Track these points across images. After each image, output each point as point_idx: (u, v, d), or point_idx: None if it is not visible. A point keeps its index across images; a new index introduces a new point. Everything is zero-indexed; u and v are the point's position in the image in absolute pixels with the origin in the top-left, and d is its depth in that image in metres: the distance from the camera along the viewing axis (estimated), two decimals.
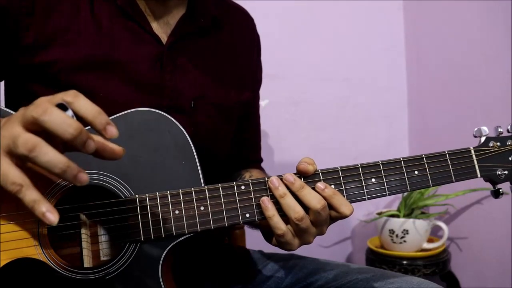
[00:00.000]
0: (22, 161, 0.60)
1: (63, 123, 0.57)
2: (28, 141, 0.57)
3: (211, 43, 1.06)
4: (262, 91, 1.27)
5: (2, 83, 1.02)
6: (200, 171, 0.83)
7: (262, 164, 1.29)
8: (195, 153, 0.83)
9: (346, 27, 2.09)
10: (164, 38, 0.99)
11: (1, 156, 0.59)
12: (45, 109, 0.57)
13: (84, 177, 0.59)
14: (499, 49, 1.63)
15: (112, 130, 0.61)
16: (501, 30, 1.61)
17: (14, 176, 0.59)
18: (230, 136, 1.12)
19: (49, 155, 0.57)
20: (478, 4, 1.74)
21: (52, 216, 0.59)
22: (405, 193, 1.85)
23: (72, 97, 0.60)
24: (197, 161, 0.83)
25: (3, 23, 0.89)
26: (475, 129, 0.91)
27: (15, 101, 0.98)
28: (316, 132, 2.06)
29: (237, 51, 1.13)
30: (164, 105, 0.96)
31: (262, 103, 1.84)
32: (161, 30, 0.99)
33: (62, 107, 0.59)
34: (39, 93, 0.90)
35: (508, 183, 0.91)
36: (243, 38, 1.17)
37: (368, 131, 2.13)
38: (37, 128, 0.58)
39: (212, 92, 1.03)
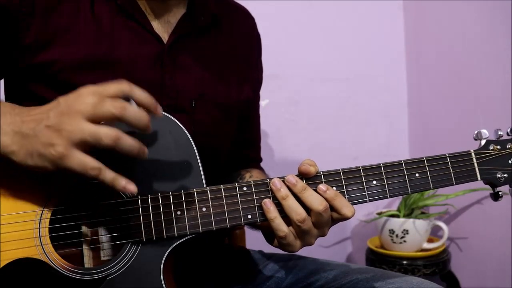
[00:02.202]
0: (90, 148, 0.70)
1: (141, 117, 0.71)
2: (110, 134, 0.69)
3: (212, 42, 1.06)
4: (262, 91, 1.27)
5: (2, 82, 1.02)
6: (201, 171, 0.83)
7: (262, 164, 1.29)
8: (196, 153, 0.83)
9: (346, 27, 2.08)
10: (164, 37, 0.99)
11: (72, 149, 0.69)
12: (122, 106, 0.69)
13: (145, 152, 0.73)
14: (499, 49, 1.63)
15: (160, 108, 0.74)
16: (501, 30, 1.61)
17: (91, 162, 0.70)
18: (231, 135, 1.12)
19: (129, 141, 0.70)
20: (478, 4, 1.73)
21: (132, 186, 0.72)
22: None
23: (128, 87, 0.72)
24: (199, 161, 0.83)
25: (3, 23, 0.89)
26: (475, 132, 0.91)
27: (15, 100, 0.98)
28: (316, 132, 2.06)
29: (237, 50, 1.13)
30: (165, 105, 0.95)
31: (262, 103, 1.84)
32: (162, 29, 0.99)
33: (126, 99, 0.71)
34: (39, 93, 0.91)
35: (507, 186, 0.91)
36: (244, 37, 1.17)
37: (368, 131, 2.13)
38: (104, 120, 0.70)
39: (213, 91, 1.03)
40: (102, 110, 0.69)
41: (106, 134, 0.69)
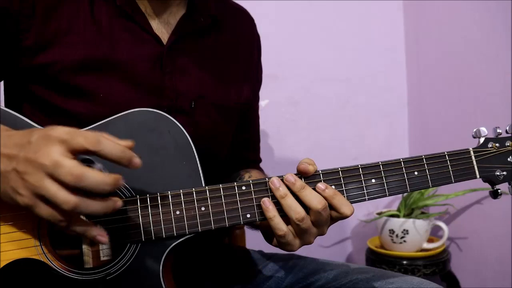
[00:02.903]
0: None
1: (101, 184, 0.66)
2: (67, 201, 0.65)
3: (211, 43, 1.06)
4: (262, 91, 1.27)
5: (2, 84, 1.02)
6: (200, 171, 0.83)
7: (262, 164, 1.29)
8: (195, 153, 0.83)
9: (346, 27, 2.08)
10: (164, 38, 0.99)
11: (37, 201, 0.67)
12: (78, 175, 0.64)
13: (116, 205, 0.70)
14: (499, 49, 1.63)
15: (136, 161, 0.69)
16: (501, 30, 1.61)
17: (58, 216, 0.68)
18: (230, 136, 1.12)
19: (91, 205, 0.67)
20: (478, 4, 1.73)
21: (103, 238, 0.71)
22: (405, 193, 1.85)
23: (94, 145, 0.66)
24: (198, 161, 0.83)
25: (4, 24, 0.89)
26: (474, 130, 0.91)
27: (15, 101, 0.98)
28: (316, 132, 2.06)
29: (237, 51, 1.13)
30: (164, 105, 0.96)
31: (262, 103, 1.85)
32: (161, 30, 0.99)
33: (89, 161, 0.68)
34: (39, 94, 0.91)
35: (506, 184, 0.91)
36: (244, 38, 1.17)
37: (368, 131, 2.13)
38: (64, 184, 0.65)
39: (212, 92, 1.03)
40: (58, 174, 0.65)
41: (64, 201, 0.65)
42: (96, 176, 0.65)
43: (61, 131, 0.67)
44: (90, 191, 0.66)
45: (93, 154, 0.67)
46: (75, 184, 0.65)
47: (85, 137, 0.66)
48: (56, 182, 0.65)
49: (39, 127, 0.80)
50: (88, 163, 0.70)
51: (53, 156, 0.65)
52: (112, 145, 0.67)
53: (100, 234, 0.71)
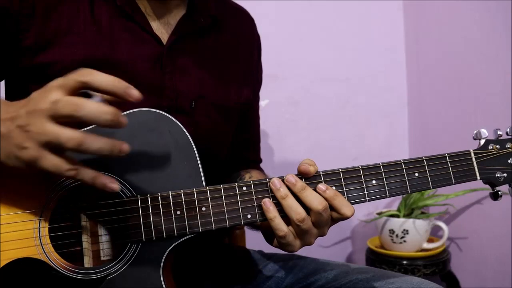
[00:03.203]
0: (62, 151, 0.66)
1: (100, 114, 0.64)
2: (72, 137, 0.64)
3: (212, 43, 1.06)
4: (262, 91, 1.27)
5: (2, 83, 1.02)
6: (201, 171, 0.83)
7: (262, 164, 1.29)
8: (196, 153, 0.83)
9: (346, 27, 2.08)
10: (164, 38, 0.99)
11: (43, 151, 0.65)
12: (75, 103, 0.63)
13: (121, 148, 0.67)
14: (499, 49, 1.63)
15: (134, 93, 0.68)
16: (501, 30, 1.61)
17: (65, 164, 0.66)
18: (230, 137, 1.12)
19: (96, 143, 0.65)
20: (478, 4, 1.73)
21: (114, 185, 0.68)
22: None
23: (87, 76, 0.66)
24: (199, 161, 0.83)
25: (4, 24, 0.89)
26: (475, 131, 0.92)
27: (15, 101, 0.98)
28: (316, 132, 2.06)
29: (237, 51, 1.13)
30: (165, 106, 0.96)
31: (262, 103, 1.85)
32: (161, 30, 0.99)
33: (86, 95, 0.65)
34: None
35: (507, 185, 0.91)
36: (244, 38, 1.17)
37: (368, 131, 2.13)
38: (66, 120, 0.64)
39: (212, 92, 1.03)
40: (57, 110, 0.65)
41: (68, 137, 0.65)
42: (94, 105, 0.64)
43: (57, 79, 0.67)
44: (93, 123, 0.65)
45: (88, 87, 0.67)
46: (74, 114, 0.64)
47: (77, 72, 0.67)
48: (58, 123, 0.65)
49: None
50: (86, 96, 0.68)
51: (52, 97, 0.65)
52: (104, 75, 0.67)
53: (111, 181, 0.69)
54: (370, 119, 2.13)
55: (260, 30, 1.24)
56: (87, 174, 0.68)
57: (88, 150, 0.65)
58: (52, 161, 0.66)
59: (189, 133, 0.83)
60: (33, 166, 0.67)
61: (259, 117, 1.28)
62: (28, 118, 0.66)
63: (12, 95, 0.99)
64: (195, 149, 0.83)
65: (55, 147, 0.66)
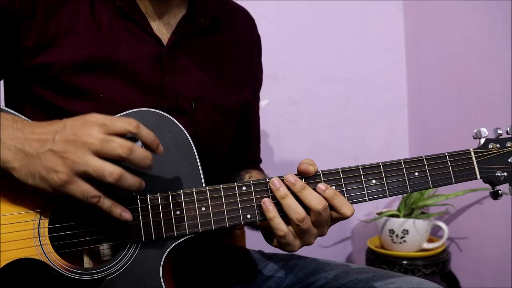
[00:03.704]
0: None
1: (145, 159, 0.73)
2: (113, 173, 0.70)
3: (212, 43, 1.06)
4: (262, 91, 1.27)
5: (2, 83, 1.02)
6: (201, 171, 0.83)
7: (262, 164, 1.29)
8: (196, 153, 0.83)
9: (346, 27, 2.08)
10: (164, 38, 0.98)
11: (75, 177, 0.71)
12: (130, 148, 0.71)
13: (143, 185, 0.76)
14: (499, 49, 1.63)
15: (161, 148, 0.76)
16: (501, 30, 1.61)
17: (92, 191, 0.72)
18: (230, 137, 1.12)
19: (130, 180, 0.73)
20: (478, 4, 1.73)
21: (127, 214, 0.75)
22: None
23: (136, 128, 0.73)
24: (198, 161, 0.83)
25: (4, 25, 0.89)
26: (475, 130, 0.91)
27: (15, 101, 0.98)
28: (316, 132, 2.06)
29: (237, 51, 1.13)
30: (165, 106, 0.96)
31: (262, 103, 1.84)
32: (162, 30, 0.99)
33: (133, 139, 0.73)
34: (39, 94, 0.91)
35: (507, 185, 0.91)
36: (244, 38, 1.17)
37: (368, 131, 2.13)
38: (110, 157, 0.71)
39: (212, 92, 1.03)
40: (109, 149, 0.70)
41: (110, 173, 0.70)
42: (142, 151, 0.72)
43: (98, 116, 0.73)
44: (135, 165, 0.72)
45: (133, 135, 0.73)
46: (127, 156, 0.70)
47: (124, 120, 0.73)
48: (100, 158, 0.70)
49: None
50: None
51: (98, 135, 0.71)
52: (147, 130, 0.74)
53: (124, 211, 0.75)
54: (370, 119, 2.13)
55: (260, 30, 1.24)
56: (107, 203, 0.74)
57: (122, 185, 0.72)
58: (81, 188, 0.71)
59: (189, 134, 0.83)
60: (59, 190, 0.72)
61: (259, 117, 1.28)
62: (65, 146, 0.71)
63: (12, 95, 0.99)
64: (194, 149, 0.83)
65: (89, 177, 0.71)
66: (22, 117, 0.80)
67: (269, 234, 0.86)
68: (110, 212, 0.74)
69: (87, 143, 0.70)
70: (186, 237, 0.81)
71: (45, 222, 0.78)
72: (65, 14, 0.92)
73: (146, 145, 0.74)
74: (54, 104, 0.92)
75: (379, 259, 1.83)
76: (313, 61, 2.05)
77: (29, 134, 0.73)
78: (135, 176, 0.73)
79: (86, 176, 0.71)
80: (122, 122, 0.72)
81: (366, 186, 0.85)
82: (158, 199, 0.80)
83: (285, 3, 1.98)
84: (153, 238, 0.79)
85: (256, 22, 1.23)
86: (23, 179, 0.73)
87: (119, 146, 0.70)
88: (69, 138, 0.71)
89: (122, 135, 0.72)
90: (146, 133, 0.74)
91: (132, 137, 0.73)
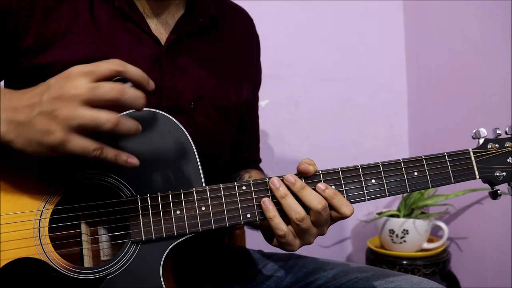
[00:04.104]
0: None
1: (139, 98, 0.70)
2: (111, 119, 0.68)
3: (211, 43, 1.06)
4: (262, 91, 1.27)
5: (2, 83, 1.02)
6: (201, 171, 0.83)
7: (262, 164, 1.29)
8: (196, 153, 0.83)
9: (346, 27, 2.08)
10: (163, 38, 0.99)
11: (71, 133, 0.69)
12: (120, 88, 0.69)
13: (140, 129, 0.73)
14: (499, 49, 1.63)
15: (151, 84, 0.74)
16: (501, 30, 1.61)
17: (92, 144, 0.70)
18: (230, 137, 1.12)
19: (128, 123, 0.70)
20: (478, 4, 1.73)
21: (134, 160, 0.73)
22: (405, 193, 1.85)
23: (122, 66, 0.71)
24: (198, 161, 0.83)
25: (3, 24, 0.89)
26: (474, 131, 0.92)
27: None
28: (316, 132, 2.06)
29: (236, 51, 1.13)
30: (164, 106, 0.96)
31: (262, 103, 1.85)
32: (160, 30, 0.99)
33: (122, 80, 0.71)
34: None
35: (506, 184, 0.91)
36: (243, 38, 1.17)
37: (368, 131, 2.13)
38: (102, 104, 0.69)
39: (212, 92, 1.03)
40: (100, 94, 0.68)
41: (107, 119, 0.68)
42: (133, 90, 0.70)
43: (81, 66, 0.71)
44: (129, 106, 0.71)
45: (121, 75, 0.71)
46: (120, 97, 0.68)
47: (108, 62, 0.71)
48: (91, 107, 0.68)
49: None
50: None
51: (85, 85, 0.69)
52: (133, 66, 0.72)
53: (130, 157, 0.73)
54: (370, 119, 2.13)
55: (260, 30, 1.24)
56: (110, 152, 0.72)
57: (120, 130, 0.70)
58: (80, 143, 0.69)
59: (188, 133, 0.83)
60: (58, 150, 0.70)
61: (258, 117, 1.28)
62: (53, 104, 0.68)
63: None
64: (194, 148, 0.83)
65: (85, 130, 0.69)
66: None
67: (269, 233, 0.86)
68: (116, 160, 0.72)
69: (76, 95, 0.68)
70: (186, 236, 0.81)
71: (45, 221, 0.78)
72: (64, 14, 0.92)
73: (136, 83, 0.72)
74: None
75: (379, 259, 1.83)
76: (313, 61, 2.05)
77: (18, 102, 0.71)
78: (132, 119, 0.71)
79: (82, 130, 0.69)
80: (106, 64, 0.71)
81: (365, 186, 0.85)
82: (158, 198, 0.80)
83: (285, 3, 1.98)
84: (153, 237, 0.79)
85: (256, 22, 1.23)
86: (22, 148, 0.71)
87: (110, 88, 0.68)
88: (56, 95, 0.69)
89: (109, 78, 0.70)
90: (133, 69, 0.72)
91: (120, 80, 0.71)
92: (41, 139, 0.69)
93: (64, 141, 0.69)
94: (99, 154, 0.71)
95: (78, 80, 0.69)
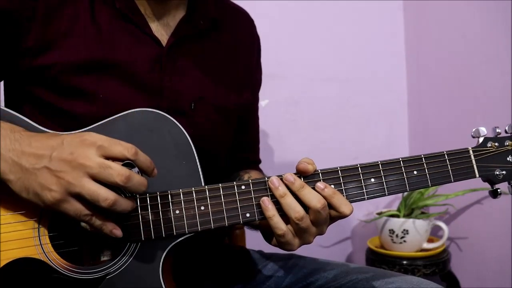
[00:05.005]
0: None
1: (141, 186, 0.74)
2: (108, 198, 0.71)
3: (211, 44, 1.06)
4: (262, 91, 1.27)
5: (2, 84, 1.02)
6: (200, 171, 0.83)
7: (262, 164, 1.29)
8: (195, 153, 0.83)
9: (346, 27, 2.08)
10: (163, 40, 0.99)
11: (68, 197, 0.71)
12: (128, 177, 0.71)
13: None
14: (499, 49, 1.63)
15: (155, 172, 0.77)
16: (501, 30, 1.61)
17: (84, 210, 0.73)
18: (230, 137, 1.12)
19: (124, 205, 0.73)
20: (478, 4, 1.73)
21: (117, 231, 0.76)
22: (405, 193, 1.85)
23: (134, 155, 0.73)
24: (197, 161, 0.83)
25: (4, 26, 0.89)
26: (473, 129, 0.91)
27: (15, 102, 0.98)
28: (316, 132, 2.06)
29: (237, 52, 1.13)
30: (164, 107, 0.96)
31: (262, 103, 1.84)
32: (161, 31, 0.99)
33: (130, 165, 0.73)
34: (39, 95, 0.91)
35: (506, 183, 0.91)
36: (243, 40, 1.17)
37: (368, 131, 2.13)
38: (106, 183, 0.71)
39: (212, 93, 1.03)
40: (106, 175, 0.71)
41: (105, 198, 0.71)
42: (138, 178, 0.73)
43: (96, 136, 0.74)
44: (129, 192, 0.75)
45: (130, 162, 0.74)
46: (124, 184, 0.71)
47: (123, 146, 0.73)
48: (96, 181, 0.71)
49: (43, 128, 0.81)
50: (128, 166, 0.74)
51: (95, 158, 0.71)
52: (144, 156, 0.75)
53: (115, 228, 0.76)
54: (370, 119, 2.13)
55: (260, 30, 1.24)
56: (98, 221, 0.74)
57: (115, 210, 0.73)
58: (74, 207, 0.72)
59: (188, 134, 0.84)
60: (52, 207, 0.72)
61: (258, 117, 1.28)
62: (61, 165, 0.71)
63: (12, 96, 0.99)
64: (193, 148, 0.83)
65: (82, 199, 0.72)
66: (22, 117, 0.81)
67: (268, 233, 0.86)
68: (101, 229, 0.75)
69: (84, 166, 0.71)
70: (186, 236, 0.81)
71: (44, 222, 0.78)
72: (65, 16, 0.92)
73: (142, 171, 0.75)
74: (54, 105, 0.92)
75: (379, 259, 1.82)
76: (313, 61, 2.05)
77: (26, 147, 0.73)
78: (128, 200, 0.75)
79: (80, 198, 0.72)
80: (121, 147, 0.73)
81: (365, 185, 0.85)
82: (157, 198, 0.80)
83: (285, 3, 1.98)
84: (153, 237, 0.79)
85: (256, 22, 1.23)
86: (18, 192, 0.74)
87: (117, 174, 0.71)
88: (66, 158, 0.71)
89: (119, 160, 0.73)
90: (143, 160, 0.74)
91: (129, 162, 0.74)
92: (39, 192, 0.72)
93: (60, 201, 0.72)
94: (88, 220, 0.73)
95: (90, 151, 0.72)
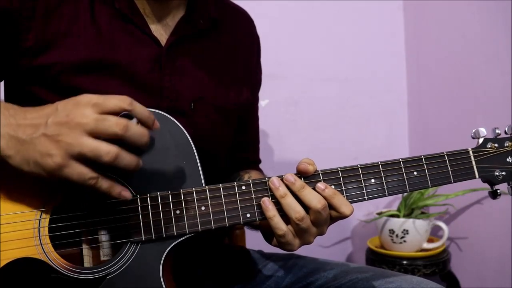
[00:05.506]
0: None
1: (142, 136, 0.72)
2: (110, 152, 0.69)
3: (211, 44, 1.06)
4: (262, 91, 1.27)
5: (2, 84, 1.02)
6: (200, 171, 0.83)
7: (262, 164, 1.29)
8: (195, 153, 0.83)
9: (346, 27, 2.08)
10: (163, 39, 0.99)
11: (70, 160, 0.70)
12: (126, 126, 0.70)
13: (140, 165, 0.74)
14: (499, 49, 1.63)
15: (157, 124, 0.75)
16: (501, 30, 1.61)
17: (89, 173, 0.71)
18: (230, 137, 1.12)
19: (127, 158, 0.71)
20: (478, 4, 1.73)
21: (126, 193, 0.74)
22: (405, 193, 1.85)
23: (130, 104, 0.72)
24: (198, 161, 0.83)
25: (4, 26, 0.89)
26: (473, 130, 0.92)
27: (15, 102, 0.98)
28: (316, 132, 2.06)
29: (237, 52, 1.13)
30: (164, 106, 0.96)
31: (262, 103, 1.85)
32: (160, 31, 0.99)
33: (128, 116, 0.71)
34: (39, 95, 0.91)
35: (506, 184, 0.91)
36: (243, 39, 1.17)
37: (368, 131, 2.13)
38: (105, 137, 0.70)
39: (212, 93, 1.03)
40: (104, 127, 0.69)
41: (107, 152, 0.69)
42: (138, 127, 0.71)
43: (90, 96, 0.72)
44: (132, 143, 0.71)
45: (127, 113, 0.72)
46: (123, 134, 0.69)
47: (117, 98, 0.71)
48: (95, 138, 0.69)
49: None
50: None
51: (91, 115, 0.69)
52: (141, 105, 0.73)
53: (123, 190, 0.74)
54: (370, 119, 2.13)
55: (260, 30, 1.24)
56: (105, 183, 0.73)
57: (119, 164, 0.71)
58: (77, 170, 0.70)
59: (188, 134, 0.84)
60: (54, 174, 0.70)
61: (258, 117, 1.29)
62: (58, 129, 0.69)
63: (12, 96, 0.99)
64: (194, 148, 0.83)
65: (84, 158, 0.70)
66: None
67: (269, 233, 0.86)
68: (109, 192, 0.73)
69: (81, 124, 0.69)
70: (186, 236, 0.81)
71: (45, 221, 0.78)
72: (64, 16, 0.92)
73: (141, 122, 0.73)
74: None
75: (379, 259, 1.83)
76: (313, 61, 2.05)
77: (22, 120, 0.72)
78: (132, 155, 0.72)
79: (82, 158, 0.70)
80: (116, 99, 0.71)
81: (365, 186, 0.85)
82: (158, 198, 0.80)
83: (285, 3, 1.98)
84: (153, 237, 0.79)
85: (256, 22, 1.23)
86: (18, 165, 0.72)
87: (114, 124, 0.69)
88: (62, 120, 0.70)
89: (116, 113, 0.71)
90: (140, 109, 0.72)
91: (127, 115, 0.72)
92: (39, 160, 0.70)
93: (62, 166, 0.70)
94: (94, 184, 0.72)
95: (86, 109, 0.70)
